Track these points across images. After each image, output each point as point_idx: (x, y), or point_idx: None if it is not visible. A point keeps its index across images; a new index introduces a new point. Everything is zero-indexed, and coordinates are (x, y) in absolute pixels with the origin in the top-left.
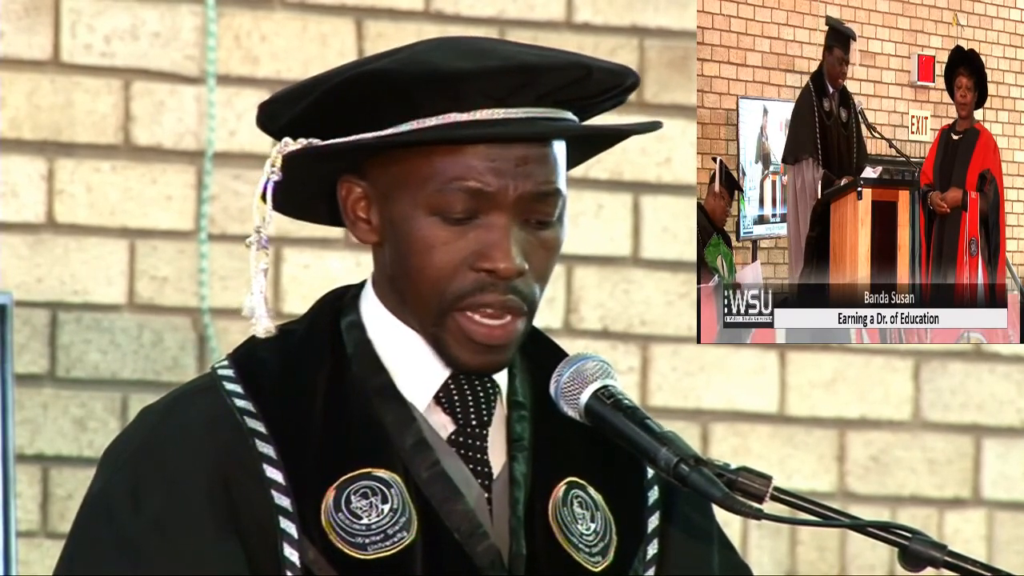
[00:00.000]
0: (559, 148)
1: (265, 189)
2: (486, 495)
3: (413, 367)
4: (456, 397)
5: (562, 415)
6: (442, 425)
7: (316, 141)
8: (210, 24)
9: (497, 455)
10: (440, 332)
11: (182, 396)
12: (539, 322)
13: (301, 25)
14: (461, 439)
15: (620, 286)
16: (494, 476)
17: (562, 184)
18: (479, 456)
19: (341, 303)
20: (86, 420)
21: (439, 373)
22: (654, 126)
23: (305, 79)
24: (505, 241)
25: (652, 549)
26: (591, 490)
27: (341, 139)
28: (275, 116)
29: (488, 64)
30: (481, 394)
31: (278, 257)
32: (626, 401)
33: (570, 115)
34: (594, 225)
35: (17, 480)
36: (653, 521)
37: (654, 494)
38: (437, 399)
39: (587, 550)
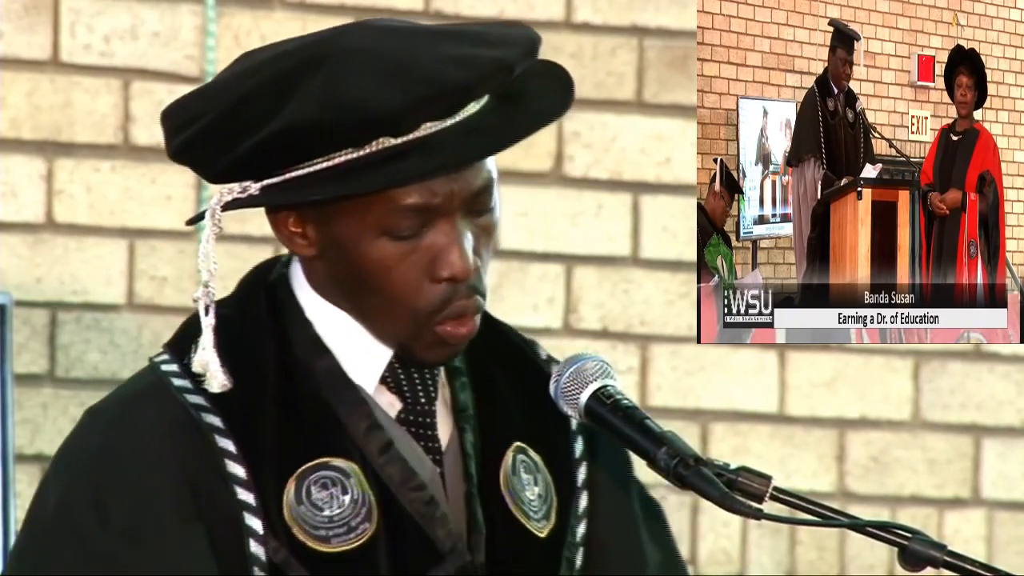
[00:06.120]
0: None
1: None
2: (439, 470)
3: (357, 350)
4: (402, 376)
5: (495, 378)
6: (389, 404)
7: (251, 184)
8: (210, 24)
9: (444, 427)
10: (412, 343)
11: (132, 399)
12: (539, 322)
13: (301, 25)
14: (411, 417)
15: (620, 286)
16: (443, 450)
17: (494, 170)
18: (429, 432)
19: (269, 285)
20: None
21: (383, 354)
22: (565, 103)
23: (219, 112)
24: (456, 246)
25: (583, 502)
26: (531, 452)
27: (276, 180)
28: (205, 161)
29: (419, 92)
30: (426, 370)
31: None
32: (625, 401)
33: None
34: (594, 225)
35: (17, 480)
36: (581, 473)
37: (579, 445)
38: (383, 380)
39: (535, 516)
